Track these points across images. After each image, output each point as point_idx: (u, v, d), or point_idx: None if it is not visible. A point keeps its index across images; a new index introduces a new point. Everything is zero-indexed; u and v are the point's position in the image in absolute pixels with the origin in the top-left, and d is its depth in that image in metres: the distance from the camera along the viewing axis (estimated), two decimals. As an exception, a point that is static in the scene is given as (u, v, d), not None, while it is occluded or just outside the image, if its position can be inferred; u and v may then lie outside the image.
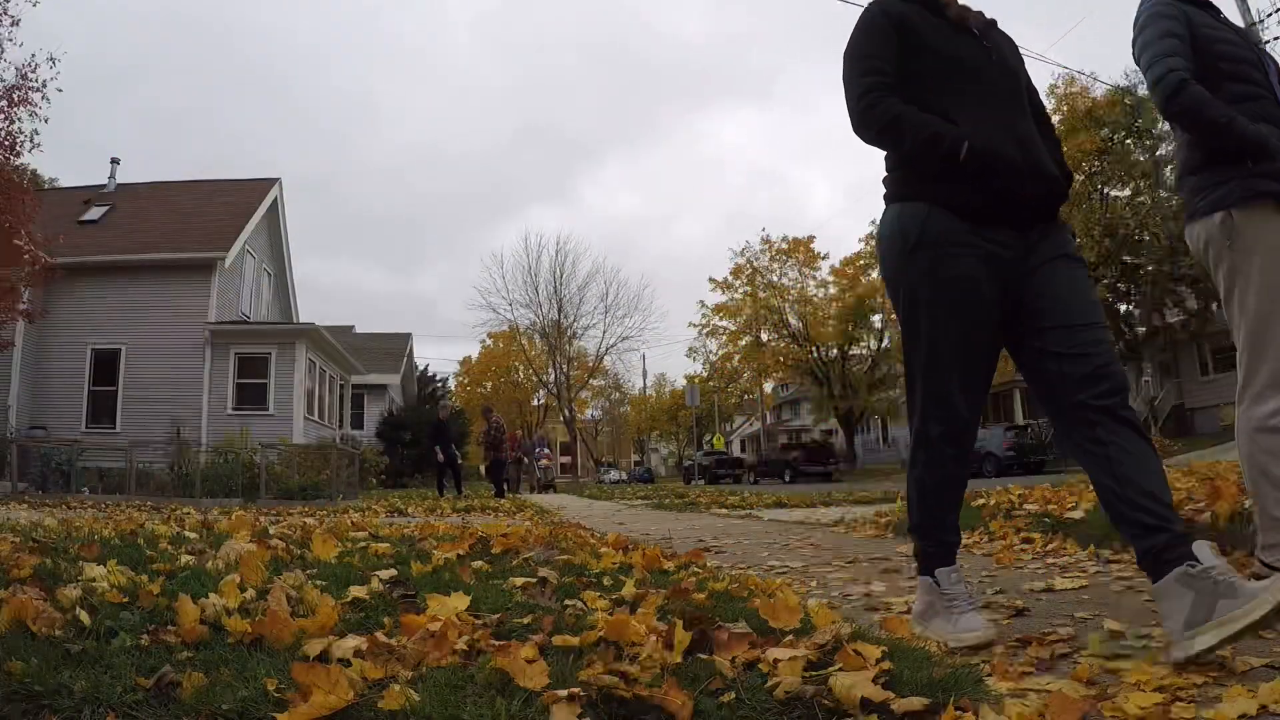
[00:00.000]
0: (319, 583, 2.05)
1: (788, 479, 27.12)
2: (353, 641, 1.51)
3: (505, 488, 15.80)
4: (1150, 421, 26.59)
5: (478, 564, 2.53)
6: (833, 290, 34.75)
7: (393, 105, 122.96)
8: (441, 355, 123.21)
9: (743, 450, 49.80)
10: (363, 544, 2.94)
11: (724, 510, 8.37)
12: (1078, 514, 3.78)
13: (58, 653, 1.43)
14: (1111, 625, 1.91)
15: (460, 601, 1.81)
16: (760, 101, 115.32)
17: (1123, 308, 25.54)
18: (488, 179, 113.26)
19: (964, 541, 3.93)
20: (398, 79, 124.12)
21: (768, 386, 45.94)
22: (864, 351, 35.56)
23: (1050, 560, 3.20)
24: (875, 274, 32.87)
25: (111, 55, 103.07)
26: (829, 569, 3.40)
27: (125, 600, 1.80)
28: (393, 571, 2.29)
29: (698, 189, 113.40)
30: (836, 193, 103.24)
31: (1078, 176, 24.59)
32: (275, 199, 20.73)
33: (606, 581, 2.31)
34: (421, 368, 37.38)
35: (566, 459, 55.60)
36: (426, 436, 17.87)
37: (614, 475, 48.79)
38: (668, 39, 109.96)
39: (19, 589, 1.74)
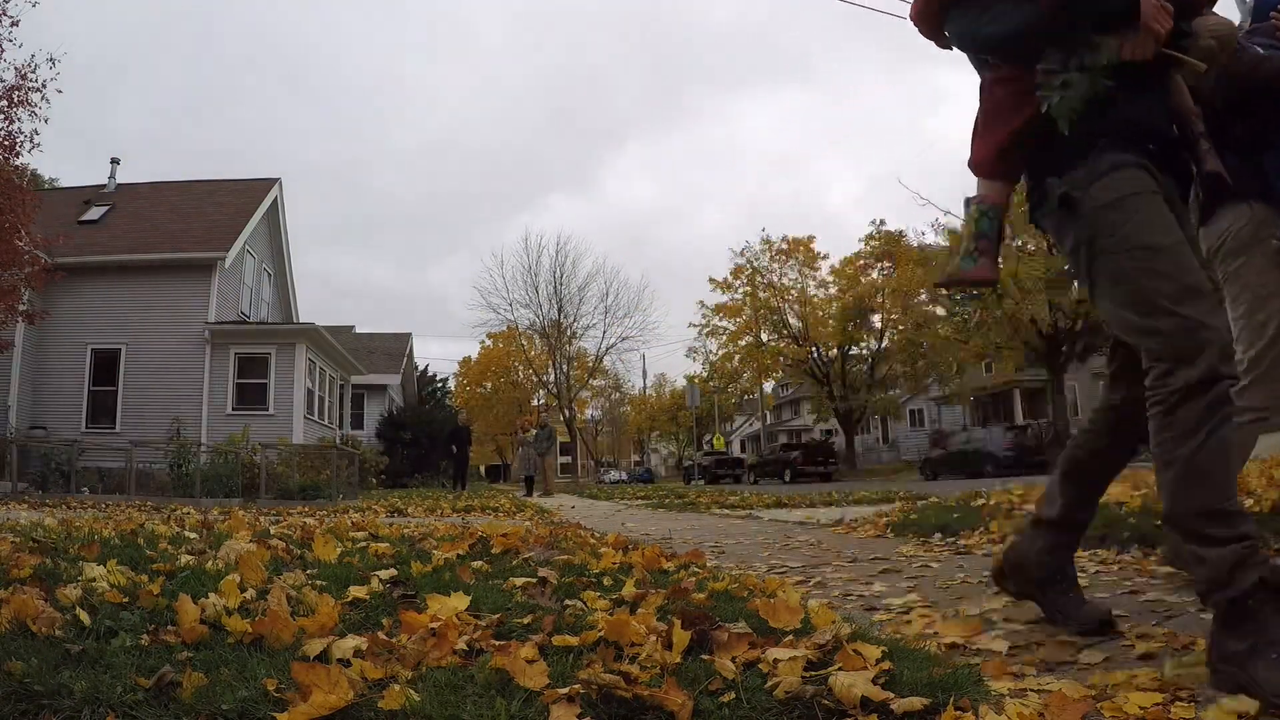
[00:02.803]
0: (319, 583, 2.05)
1: (787, 479, 27.14)
2: (353, 641, 1.51)
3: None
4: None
5: (478, 564, 2.53)
6: (833, 290, 34.73)
7: (416, 92, 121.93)
8: (444, 354, 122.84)
9: (743, 450, 49.86)
10: (363, 544, 2.94)
11: (724, 510, 8.35)
12: (1078, 514, 3.77)
13: (58, 653, 1.43)
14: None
15: (460, 601, 1.81)
16: (794, 84, 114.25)
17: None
18: (509, 168, 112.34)
19: (964, 542, 3.95)
20: (422, 63, 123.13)
21: (768, 386, 45.94)
22: (864, 351, 35.55)
23: (1050, 560, 3.20)
24: (875, 274, 32.85)
25: (117, 42, 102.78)
26: (829, 569, 3.40)
27: (125, 600, 1.80)
28: (393, 571, 2.29)
29: (721, 178, 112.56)
30: (859, 182, 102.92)
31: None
32: (275, 199, 20.73)
33: (606, 581, 2.30)
34: (421, 368, 37.39)
35: (567, 459, 55.56)
36: (449, 436, 21.72)
37: (614, 475, 48.85)
38: (701, 16, 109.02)
39: (19, 589, 1.74)
